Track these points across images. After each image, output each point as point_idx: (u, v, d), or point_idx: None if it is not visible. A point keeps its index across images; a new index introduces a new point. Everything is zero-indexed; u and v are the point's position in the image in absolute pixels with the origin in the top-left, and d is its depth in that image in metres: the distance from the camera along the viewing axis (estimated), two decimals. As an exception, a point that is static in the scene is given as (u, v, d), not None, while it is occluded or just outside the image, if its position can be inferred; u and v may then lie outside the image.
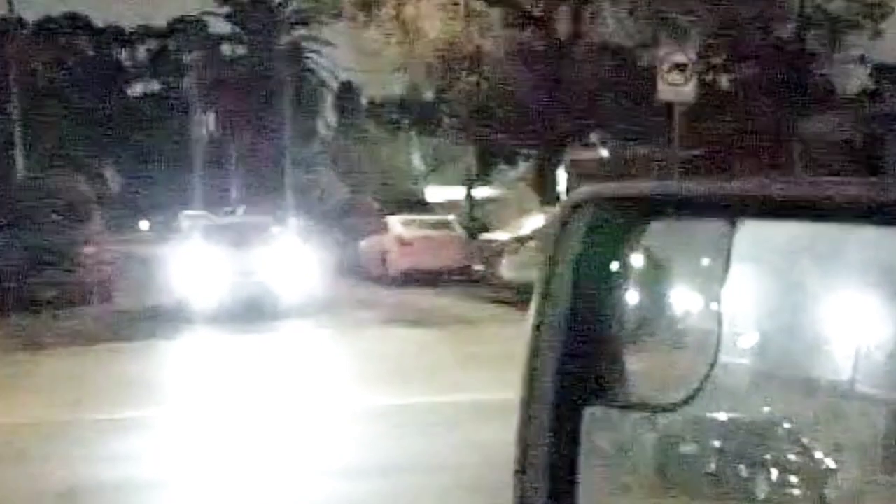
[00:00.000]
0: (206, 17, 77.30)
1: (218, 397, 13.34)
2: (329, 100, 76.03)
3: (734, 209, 1.67)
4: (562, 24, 30.13)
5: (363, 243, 31.26)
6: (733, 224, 1.66)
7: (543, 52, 29.68)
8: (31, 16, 76.04)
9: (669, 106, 23.50)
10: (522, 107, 29.58)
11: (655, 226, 1.79)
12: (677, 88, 22.70)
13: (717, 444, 1.75)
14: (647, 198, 1.82)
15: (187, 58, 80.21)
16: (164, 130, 71.92)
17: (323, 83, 77.61)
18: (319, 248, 35.67)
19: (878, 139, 26.07)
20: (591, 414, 1.79)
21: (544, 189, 29.75)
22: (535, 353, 1.83)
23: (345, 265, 32.21)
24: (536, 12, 30.20)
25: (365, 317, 21.67)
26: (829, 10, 31.66)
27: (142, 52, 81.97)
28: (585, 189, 1.82)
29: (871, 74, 30.99)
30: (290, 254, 23.29)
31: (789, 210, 1.60)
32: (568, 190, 30.60)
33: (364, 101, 63.82)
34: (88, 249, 25.24)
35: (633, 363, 1.81)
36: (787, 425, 1.70)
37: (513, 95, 29.44)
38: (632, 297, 1.81)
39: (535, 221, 25.68)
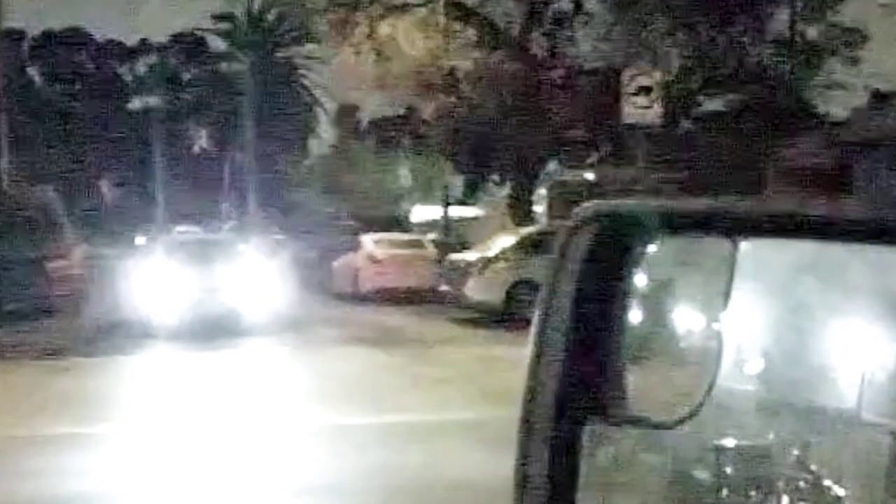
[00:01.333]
0: (205, 34, 77.43)
1: (166, 414, 13.29)
2: (324, 118, 75.90)
3: (737, 227, 1.67)
4: (537, 46, 30.19)
5: (337, 262, 31.27)
6: (736, 242, 1.67)
7: (518, 74, 29.74)
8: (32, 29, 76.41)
9: (633, 128, 23.54)
10: (497, 128, 29.59)
11: (658, 243, 1.80)
12: (643, 111, 22.75)
13: (726, 469, 1.75)
14: (651, 215, 1.82)
15: (186, 74, 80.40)
16: (162, 145, 71.95)
17: (317, 101, 77.48)
18: (295, 265, 35.77)
19: (846, 165, 26.11)
20: (592, 430, 1.79)
21: (519, 210, 29.76)
22: (536, 368, 1.83)
23: (319, 283, 32.22)
24: (512, 33, 30.26)
25: (327, 335, 21.66)
26: (807, 36, 31.74)
27: (142, 66, 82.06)
28: (589, 206, 1.83)
29: (874, 98, 30.89)
30: (256, 271, 23.22)
31: (792, 229, 1.60)
32: (550, 211, 30.52)
33: (365, 119, 63.90)
34: (56, 263, 25.17)
35: (634, 380, 1.80)
36: (795, 452, 1.70)
37: (487, 116, 29.47)
38: (634, 314, 1.81)
39: (502, 242, 25.68)
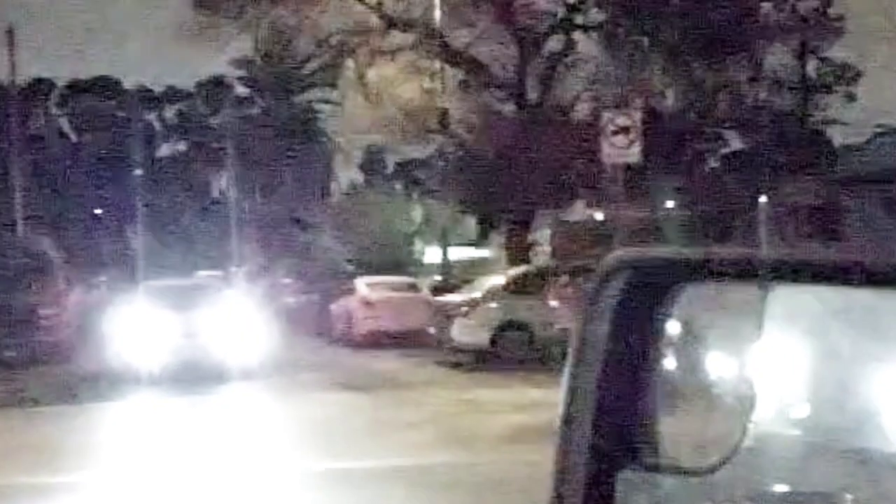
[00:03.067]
0: (232, 80, 77.96)
1: (129, 461, 13.29)
2: (342, 161, 76.15)
3: (767, 274, 1.69)
4: (529, 87, 30.23)
5: (333, 305, 31.24)
6: (766, 289, 1.68)
7: (510, 115, 29.80)
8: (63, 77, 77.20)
9: (626, 169, 23.52)
10: (490, 169, 29.59)
11: (689, 290, 1.82)
12: (622, 151, 22.74)
13: None
14: (681, 262, 1.87)
15: (210, 120, 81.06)
16: (184, 191, 72.56)
17: (336, 145, 77.96)
18: (297, 309, 35.83)
19: (835, 203, 26.00)
20: (626, 478, 1.80)
21: (514, 251, 29.70)
22: (568, 414, 1.84)
23: (318, 327, 32.25)
24: (504, 74, 30.30)
25: (308, 380, 21.56)
26: (804, 74, 31.68)
27: (169, 113, 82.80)
28: (620, 253, 1.86)
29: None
30: (241, 316, 23.17)
31: (822, 275, 1.64)
32: (554, 252, 30.42)
33: (391, 162, 64.17)
34: (47, 311, 25.31)
35: (667, 427, 1.82)
36: (849, 496, 1.68)
37: (480, 157, 29.49)
38: (665, 360, 1.83)
39: (491, 283, 25.61)
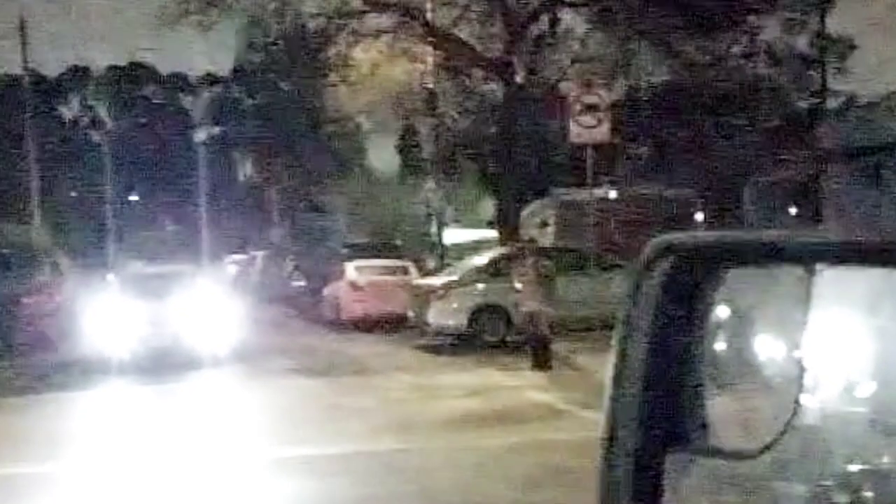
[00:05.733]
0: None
1: (83, 451, 13.45)
2: (376, 142, 76.09)
3: (812, 256, 1.72)
4: (517, 66, 29.92)
5: (326, 289, 31.19)
6: (812, 271, 1.70)
7: (498, 95, 29.56)
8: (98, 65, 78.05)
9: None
10: (480, 151, 29.41)
11: (734, 273, 1.84)
12: (590, 130, 22.43)
13: (863, 493, 1.71)
14: (725, 246, 1.90)
15: (244, 105, 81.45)
16: (217, 175, 73.13)
17: (358, 126, 78.05)
18: (299, 293, 35.81)
19: (815, 178, 25.61)
20: (674, 461, 1.82)
21: (504, 231, 29.45)
22: (615, 399, 1.87)
23: (312, 311, 32.29)
24: (490, 55, 30.02)
25: (277, 367, 21.53)
26: (795, 48, 31.18)
27: (205, 98, 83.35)
28: (664, 238, 1.88)
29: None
30: (213, 303, 23.16)
31: (868, 257, 1.66)
32: (558, 231, 30.16)
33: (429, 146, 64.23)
34: (30, 300, 25.42)
35: (715, 410, 1.84)
36: None
37: (468, 138, 29.31)
38: (712, 343, 1.85)
39: (468, 265, 25.47)
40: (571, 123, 22.71)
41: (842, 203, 23.59)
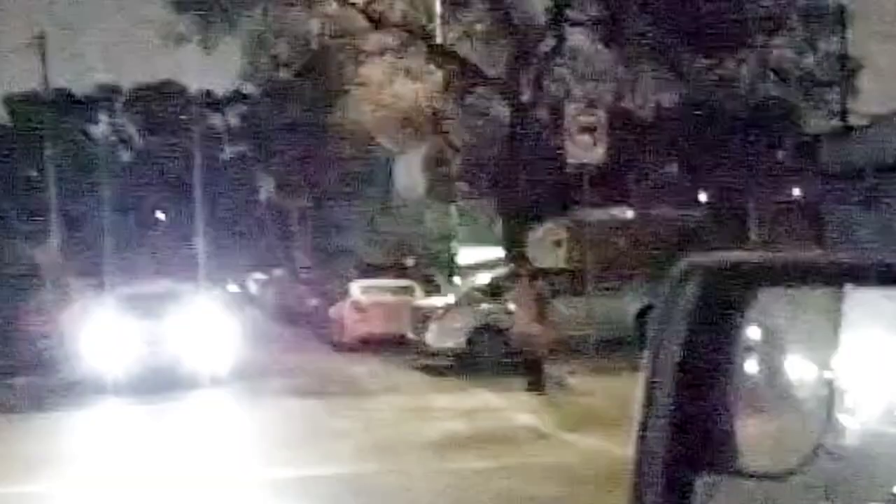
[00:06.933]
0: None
1: (83, 469, 13.45)
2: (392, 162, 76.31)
3: (842, 277, 1.72)
4: (523, 86, 29.85)
5: (332, 308, 31.11)
6: (843, 291, 1.70)
7: (504, 114, 29.51)
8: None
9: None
10: (486, 170, 29.37)
11: (764, 293, 1.84)
12: (587, 151, 22.29)
13: None
14: (756, 266, 1.89)
15: (271, 122, 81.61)
16: (243, 193, 73.54)
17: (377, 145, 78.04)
18: (311, 312, 35.77)
19: (818, 200, 25.40)
20: (705, 483, 1.81)
21: (511, 252, 29.30)
22: (646, 420, 1.86)
23: (321, 330, 32.26)
24: (496, 75, 29.97)
25: (271, 387, 21.41)
26: (804, 67, 30.93)
27: (232, 116, 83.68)
28: (693, 258, 1.87)
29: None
30: (211, 323, 23.08)
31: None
32: (571, 253, 29.97)
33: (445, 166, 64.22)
34: (28, 320, 25.50)
35: (745, 431, 1.82)
36: None
37: (475, 158, 29.28)
38: (742, 364, 1.85)
39: (469, 285, 25.37)
40: (568, 144, 22.59)
41: (841, 226, 23.46)
